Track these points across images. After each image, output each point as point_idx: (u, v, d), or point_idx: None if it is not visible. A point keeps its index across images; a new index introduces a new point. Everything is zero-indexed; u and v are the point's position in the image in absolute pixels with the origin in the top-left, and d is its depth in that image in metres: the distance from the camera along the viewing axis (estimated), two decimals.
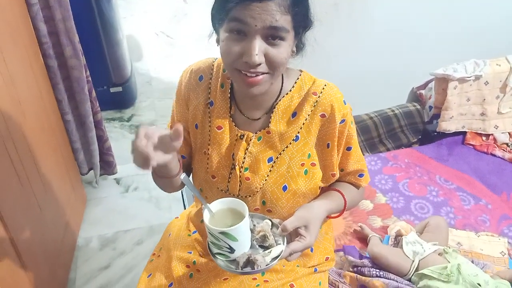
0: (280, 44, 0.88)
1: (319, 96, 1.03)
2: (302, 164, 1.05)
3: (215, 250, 0.92)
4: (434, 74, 1.97)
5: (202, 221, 1.18)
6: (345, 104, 1.04)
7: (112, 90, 2.82)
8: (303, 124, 1.04)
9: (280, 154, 1.05)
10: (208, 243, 0.93)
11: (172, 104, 1.14)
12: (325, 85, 1.04)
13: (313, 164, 1.07)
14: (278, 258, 0.90)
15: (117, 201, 2.28)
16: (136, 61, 3.50)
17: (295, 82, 1.05)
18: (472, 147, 2.00)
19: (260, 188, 1.06)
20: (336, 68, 1.93)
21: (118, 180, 2.40)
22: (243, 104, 1.05)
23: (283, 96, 1.04)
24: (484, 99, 2.02)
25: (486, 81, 1.99)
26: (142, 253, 1.98)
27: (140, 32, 3.91)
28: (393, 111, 2.23)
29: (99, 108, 2.12)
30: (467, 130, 2.04)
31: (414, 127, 2.21)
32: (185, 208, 1.57)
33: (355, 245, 1.49)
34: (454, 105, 1.97)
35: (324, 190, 1.13)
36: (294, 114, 1.04)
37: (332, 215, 1.11)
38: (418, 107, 2.26)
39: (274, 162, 1.05)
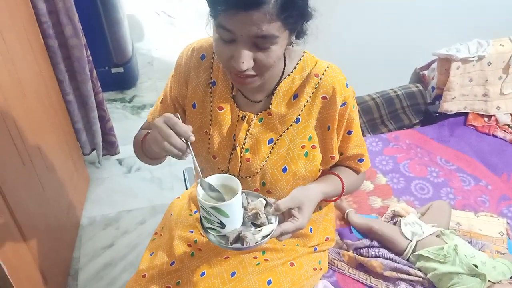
0: (270, 49, 0.86)
1: (320, 78, 1.02)
2: (303, 147, 1.05)
3: (206, 225, 0.93)
4: (436, 54, 1.95)
5: None
6: (347, 87, 1.03)
7: (113, 70, 2.81)
8: (304, 106, 1.04)
9: (280, 136, 1.05)
10: (201, 218, 0.94)
11: (168, 79, 1.13)
12: (328, 67, 1.03)
13: (313, 147, 1.07)
14: (269, 237, 0.90)
15: (120, 181, 2.30)
16: (137, 41, 3.48)
17: (297, 64, 1.04)
18: (473, 128, 2.00)
19: (260, 169, 1.06)
20: (337, 49, 1.91)
21: (120, 161, 2.41)
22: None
23: (285, 78, 1.03)
24: (487, 80, 2.00)
25: (489, 62, 1.97)
26: (145, 232, 2.01)
27: (141, 11, 3.87)
28: (395, 92, 2.21)
29: (100, 89, 2.12)
30: (469, 111, 2.03)
31: (416, 108, 2.20)
32: (186, 189, 1.58)
33: (348, 227, 1.49)
34: (456, 85, 1.95)
35: (323, 174, 1.14)
36: (295, 96, 1.04)
37: (330, 199, 1.12)
38: (421, 88, 2.24)
39: (274, 143, 1.05)
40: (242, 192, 0.94)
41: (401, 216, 1.46)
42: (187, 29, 3.64)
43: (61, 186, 1.86)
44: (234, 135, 1.06)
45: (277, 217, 0.95)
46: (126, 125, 2.67)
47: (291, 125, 1.05)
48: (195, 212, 1.28)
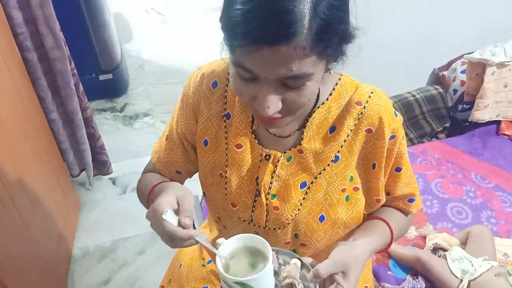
0: (302, 86, 0.68)
1: (364, 107, 0.83)
2: (343, 190, 0.86)
3: None
4: (469, 58, 1.75)
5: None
6: (396, 116, 0.85)
7: (101, 77, 2.57)
8: (345, 141, 0.84)
9: (315, 178, 0.86)
10: None
11: (174, 111, 0.94)
12: (372, 93, 0.84)
13: (355, 189, 0.88)
14: None
15: (114, 203, 2.08)
16: (126, 43, 3.23)
17: (333, 89, 0.84)
18: (507, 137, 1.81)
19: (292, 219, 0.87)
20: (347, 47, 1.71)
21: (113, 180, 2.19)
22: None
23: (318, 107, 0.84)
24: None
25: None
26: (145, 263, 1.81)
27: (128, 9, 3.61)
28: (413, 95, 2.03)
29: (88, 104, 1.90)
30: (501, 119, 1.84)
31: (437, 113, 2.02)
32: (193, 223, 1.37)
33: (384, 263, 1.31)
34: (490, 92, 1.76)
35: (366, 218, 0.95)
36: (332, 129, 0.84)
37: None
38: (441, 90, 2.06)
39: (309, 188, 0.86)
40: (272, 249, 0.75)
41: (444, 249, 1.28)
42: (179, 27, 3.39)
43: (48, 218, 1.64)
44: (257, 177, 0.86)
45: (317, 285, 0.77)
46: (118, 138, 2.45)
47: (328, 165, 0.85)
48: (208, 262, 1.09)
